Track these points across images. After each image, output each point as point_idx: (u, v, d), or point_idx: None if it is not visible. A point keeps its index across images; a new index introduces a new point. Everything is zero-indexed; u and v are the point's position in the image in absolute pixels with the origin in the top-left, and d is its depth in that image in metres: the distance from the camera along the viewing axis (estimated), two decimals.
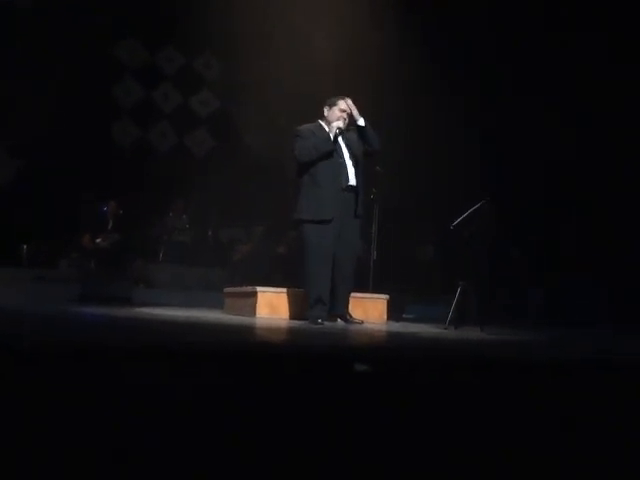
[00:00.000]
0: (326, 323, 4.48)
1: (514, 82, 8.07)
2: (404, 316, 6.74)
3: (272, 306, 4.99)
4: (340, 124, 4.65)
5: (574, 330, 5.53)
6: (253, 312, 4.96)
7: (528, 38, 8.03)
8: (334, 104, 4.73)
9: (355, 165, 4.70)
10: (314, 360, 2.37)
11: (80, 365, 1.80)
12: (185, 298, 7.15)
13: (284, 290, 5.09)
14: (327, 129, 4.70)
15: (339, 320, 4.64)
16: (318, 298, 4.51)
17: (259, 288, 5.03)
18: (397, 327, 4.85)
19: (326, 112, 4.76)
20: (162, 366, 1.90)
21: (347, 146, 4.73)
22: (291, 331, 3.71)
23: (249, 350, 2.59)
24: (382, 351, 2.98)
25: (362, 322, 4.78)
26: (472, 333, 4.47)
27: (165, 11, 9.39)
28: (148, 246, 8.57)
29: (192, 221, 8.94)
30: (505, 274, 7.49)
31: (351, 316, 4.72)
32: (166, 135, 10.13)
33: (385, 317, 5.13)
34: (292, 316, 4.97)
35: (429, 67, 8.41)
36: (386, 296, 5.22)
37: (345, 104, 4.71)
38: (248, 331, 3.50)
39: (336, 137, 4.65)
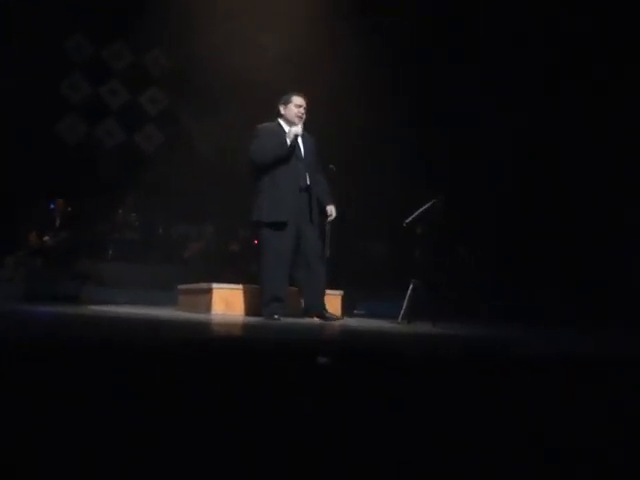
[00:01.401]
0: (282, 319, 4.53)
1: (469, 78, 8.18)
2: (355, 312, 6.85)
3: (227, 303, 5.00)
4: (299, 130, 4.65)
5: (520, 327, 5.70)
6: (208, 309, 4.95)
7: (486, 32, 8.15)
8: (289, 101, 4.73)
9: (309, 165, 4.73)
10: (278, 353, 2.42)
11: (45, 363, 1.80)
12: (135, 296, 7.07)
13: (239, 287, 5.11)
14: (286, 129, 4.69)
15: (316, 318, 4.64)
16: (274, 296, 4.54)
17: (214, 285, 5.03)
18: (352, 322, 4.93)
19: (282, 110, 4.75)
20: (123, 361, 1.91)
21: (304, 146, 4.74)
22: (250, 326, 3.74)
23: (209, 344, 2.61)
24: (341, 345, 3.05)
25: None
26: (424, 328, 4.59)
27: (114, 6, 9.26)
28: (97, 244, 8.43)
29: (142, 218, 8.83)
30: (454, 272, 7.66)
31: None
32: (114, 132, 9.99)
33: (340, 312, 5.20)
34: (247, 313, 4.99)
35: (381, 65, 8.54)
36: (340, 292, 5.29)
37: (300, 99, 4.73)
38: (207, 327, 3.52)
39: (292, 144, 4.64)
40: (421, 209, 5.25)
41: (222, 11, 8.79)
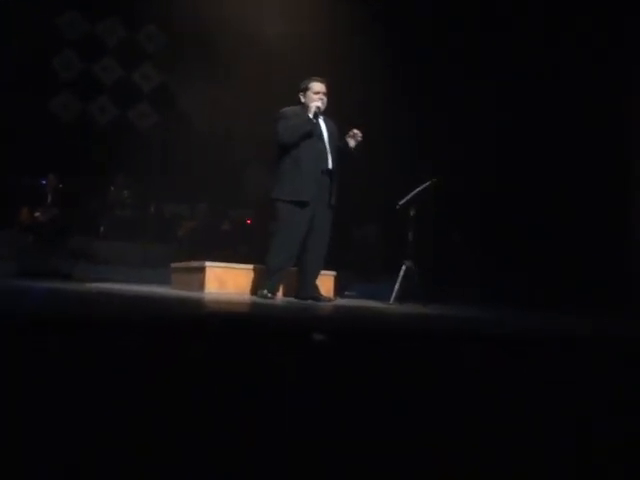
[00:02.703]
0: (276, 298, 4.58)
1: (462, 66, 8.19)
2: (347, 294, 6.89)
3: (220, 281, 5.02)
4: (318, 104, 4.67)
5: (509, 310, 5.76)
6: (202, 287, 4.98)
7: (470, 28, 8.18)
8: (307, 88, 4.74)
9: (332, 150, 4.74)
10: (273, 330, 2.45)
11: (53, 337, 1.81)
12: (128, 274, 7.08)
13: (233, 265, 5.14)
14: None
15: (310, 301, 4.68)
16: (275, 270, 4.60)
17: (207, 263, 5.05)
18: (344, 302, 4.97)
19: (302, 99, 4.76)
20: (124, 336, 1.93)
21: (327, 130, 4.76)
22: (245, 304, 3.76)
23: (205, 322, 2.63)
24: (336, 323, 3.08)
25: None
26: (416, 309, 4.63)
27: None
28: (89, 221, 8.41)
29: (134, 196, 8.81)
30: (447, 255, 7.71)
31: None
32: (107, 109, 9.93)
33: (332, 293, 5.24)
34: (240, 291, 5.03)
35: (377, 52, 8.54)
36: (334, 272, 5.33)
37: (319, 85, 4.73)
38: (201, 304, 3.54)
39: (315, 116, 4.66)
40: (415, 191, 5.27)
41: None
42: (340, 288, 5.99)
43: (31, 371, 1.54)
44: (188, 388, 1.65)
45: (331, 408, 1.71)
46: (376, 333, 2.62)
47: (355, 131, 4.71)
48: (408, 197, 5.26)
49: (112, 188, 8.70)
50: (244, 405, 1.65)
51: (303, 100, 4.75)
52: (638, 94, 7.28)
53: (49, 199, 8.01)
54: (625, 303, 6.69)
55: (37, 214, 7.78)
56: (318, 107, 4.67)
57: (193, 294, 4.69)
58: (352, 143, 4.72)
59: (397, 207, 5.30)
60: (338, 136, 4.82)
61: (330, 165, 4.70)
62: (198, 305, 3.38)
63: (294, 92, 4.86)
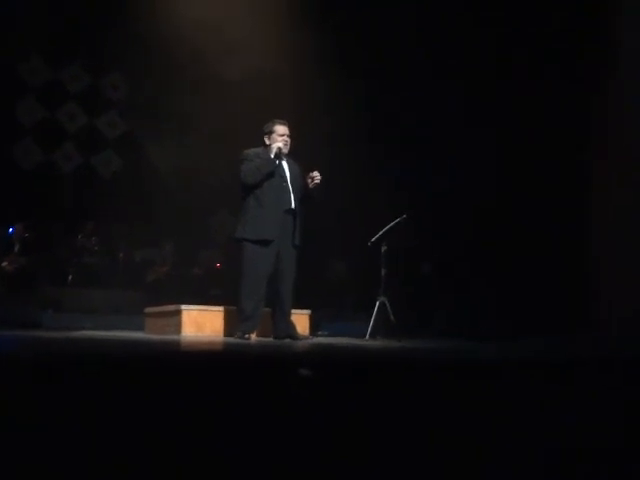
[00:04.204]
0: (254, 338, 4.60)
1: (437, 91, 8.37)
2: (319, 333, 6.92)
3: (197, 324, 5.03)
4: (280, 145, 4.78)
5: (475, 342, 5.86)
6: (178, 331, 4.97)
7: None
8: (272, 131, 4.86)
9: (295, 191, 4.84)
10: (259, 366, 2.49)
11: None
12: (98, 321, 6.99)
13: (209, 308, 5.15)
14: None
15: (287, 339, 4.72)
16: (250, 314, 4.62)
17: (184, 306, 5.05)
18: (321, 340, 5.02)
19: (267, 141, 4.87)
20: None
21: (290, 171, 4.87)
22: (226, 344, 3.79)
23: (192, 360, 2.66)
24: (321, 358, 3.12)
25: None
26: (391, 343, 4.71)
27: (70, 28, 9.24)
28: (57, 269, 8.31)
29: (102, 243, 8.76)
30: (416, 289, 7.81)
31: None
32: (71, 156, 9.90)
33: (308, 331, 5.28)
34: (217, 334, 5.03)
35: (349, 80, 8.71)
36: (308, 311, 5.38)
37: (283, 128, 4.86)
38: (185, 345, 3.55)
39: (277, 156, 4.77)
40: (386, 227, 5.40)
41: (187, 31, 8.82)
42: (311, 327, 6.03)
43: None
44: (172, 426, 1.69)
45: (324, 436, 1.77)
46: (360, 366, 2.68)
47: (314, 173, 4.82)
48: (380, 234, 5.38)
49: (79, 236, 8.64)
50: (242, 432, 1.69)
51: (268, 142, 4.87)
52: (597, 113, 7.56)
53: (16, 248, 7.91)
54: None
55: (4, 264, 7.68)
56: (279, 148, 4.79)
57: (172, 337, 4.68)
58: (311, 185, 4.82)
59: (369, 244, 5.41)
60: (301, 177, 4.92)
61: (293, 205, 4.80)
62: (176, 346, 3.39)
63: (259, 135, 4.97)
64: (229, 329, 4.99)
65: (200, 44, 8.84)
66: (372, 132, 8.75)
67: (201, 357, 2.83)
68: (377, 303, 5.27)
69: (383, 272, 5.37)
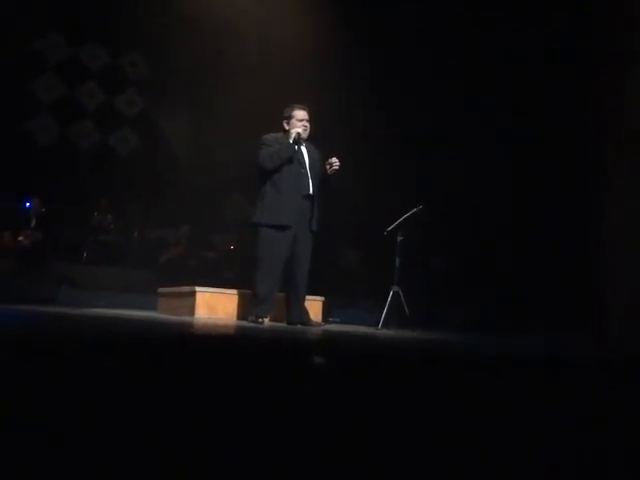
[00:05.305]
0: (267, 323, 4.61)
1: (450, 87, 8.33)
2: (331, 319, 6.92)
3: (210, 306, 5.03)
4: (299, 130, 4.75)
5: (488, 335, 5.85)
6: (191, 312, 4.98)
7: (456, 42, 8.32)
8: (291, 116, 4.81)
9: (314, 177, 4.81)
10: (275, 353, 2.48)
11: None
12: (112, 299, 7.01)
13: (222, 290, 5.16)
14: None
15: (299, 325, 4.72)
16: (265, 298, 4.62)
17: (198, 288, 5.06)
18: (334, 328, 5.01)
19: (286, 126, 4.82)
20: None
21: (309, 156, 4.84)
22: (240, 327, 3.79)
23: (204, 344, 2.66)
24: (333, 347, 3.12)
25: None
26: (404, 333, 4.70)
27: (91, 7, 9.23)
28: (72, 246, 8.36)
29: (117, 221, 8.79)
30: (429, 282, 7.80)
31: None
32: (88, 133, 9.92)
33: (320, 318, 5.28)
34: (229, 316, 5.04)
35: (364, 73, 8.68)
36: (322, 298, 5.38)
37: (302, 112, 4.82)
38: (198, 327, 3.55)
39: (295, 141, 4.74)
40: (402, 217, 5.37)
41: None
42: (325, 313, 6.03)
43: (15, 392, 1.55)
44: (183, 413, 1.68)
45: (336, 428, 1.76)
46: (374, 357, 2.67)
47: (333, 160, 4.79)
48: (396, 223, 5.35)
49: (95, 213, 8.67)
50: (248, 422, 1.69)
51: (287, 127, 4.83)
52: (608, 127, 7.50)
53: (33, 223, 7.96)
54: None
55: (20, 238, 7.72)
56: (298, 133, 4.74)
57: (186, 318, 4.69)
58: (329, 171, 4.79)
59: (385, 233, 5.38)
60: (320, 163, 4.89)
61: (311, 190, 4.77)
62: (189, 328, 3.40)
63: (278, 119, 4.94)
64: (242, 312, 5.00)
65: (219, 25, 8.84)
66: (391, 122, 8.70)
67: (214, 340, 2.82)
68: (391, 293, 5.25)
69: (397, 262, 5.34)
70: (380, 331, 4.92)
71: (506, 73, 7.91)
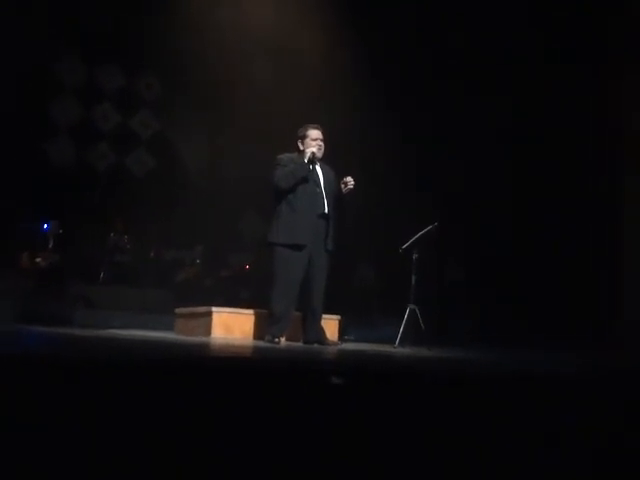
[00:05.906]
0: (283, 342, 4.61)
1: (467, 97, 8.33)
2: (346, 338, 6.90)
3: (227, 326, 5.04)
4: (314, 149, 4.78)
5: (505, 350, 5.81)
6: (208, 332, 4.98)
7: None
8: (305, 136, 4.85)
9: (329, 196, 4.83)
10: (293, 374, 2.48)
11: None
12: (128, 319, 7.04)
13: (239, 310, 5.17)
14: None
15: (316, 345, 4.72)
16: (281, 317, 4.63)
17: (214, 308, 5.07)
18: (350, 347, 5.00)
19: (301, 146, 4.86)
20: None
21: (324, 176, 4.87)
22: (257, 348, 3.79)
23: (222, 364, 2.66)
24: (352, 366, 3.11)
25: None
26: (420, 352, 4.68)
27: (106, 28, 9.34)
28: (89, 266, 8.42)
29: (133, 242, 8.85)
30: (442, 295, 7.77)
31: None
32: (105, 155, 10.01)
33: (337, 337, 5.27)
34: (246, 336, 5.05)
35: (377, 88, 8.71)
36: (338, 316, 5.37)
37: (316, 132, 4.85)
38: (215, 348, 3.56)
39: (310, 161, 4.77)
40: (418, 235, 5.36)
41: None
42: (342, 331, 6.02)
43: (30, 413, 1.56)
44: (202, 430, 1.68)
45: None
46: (392, 376, 2.66)
47: (347, 179, 4.80)
48: (411, 241, 5.34)
49: (111, 234, 8.74)
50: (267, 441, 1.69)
51: (301, 147, 4.86)
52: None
53: (50, 244, 8.03)
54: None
55: (38, 259, 7.79)
56: (313, 153, 4.77)
57: (203, 339, 4.70)
58: (344, 190, 4.80)
59: (400, 251, 5.38)
60: (335, 182, 4.90)
61: (326, 210, 4.79)
62: (207, 349, 3.40)
63: (292, 139, 4.97)
64: (258, 332, 5.00)
65: (232, 45, 8.92)
66: (405, 139, 8.72)
67: (230, 362, 2.83)
68: (407, 310, 5.23)
69: (413, 280, 5.33)
70: (397, 349, 4.90)
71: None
